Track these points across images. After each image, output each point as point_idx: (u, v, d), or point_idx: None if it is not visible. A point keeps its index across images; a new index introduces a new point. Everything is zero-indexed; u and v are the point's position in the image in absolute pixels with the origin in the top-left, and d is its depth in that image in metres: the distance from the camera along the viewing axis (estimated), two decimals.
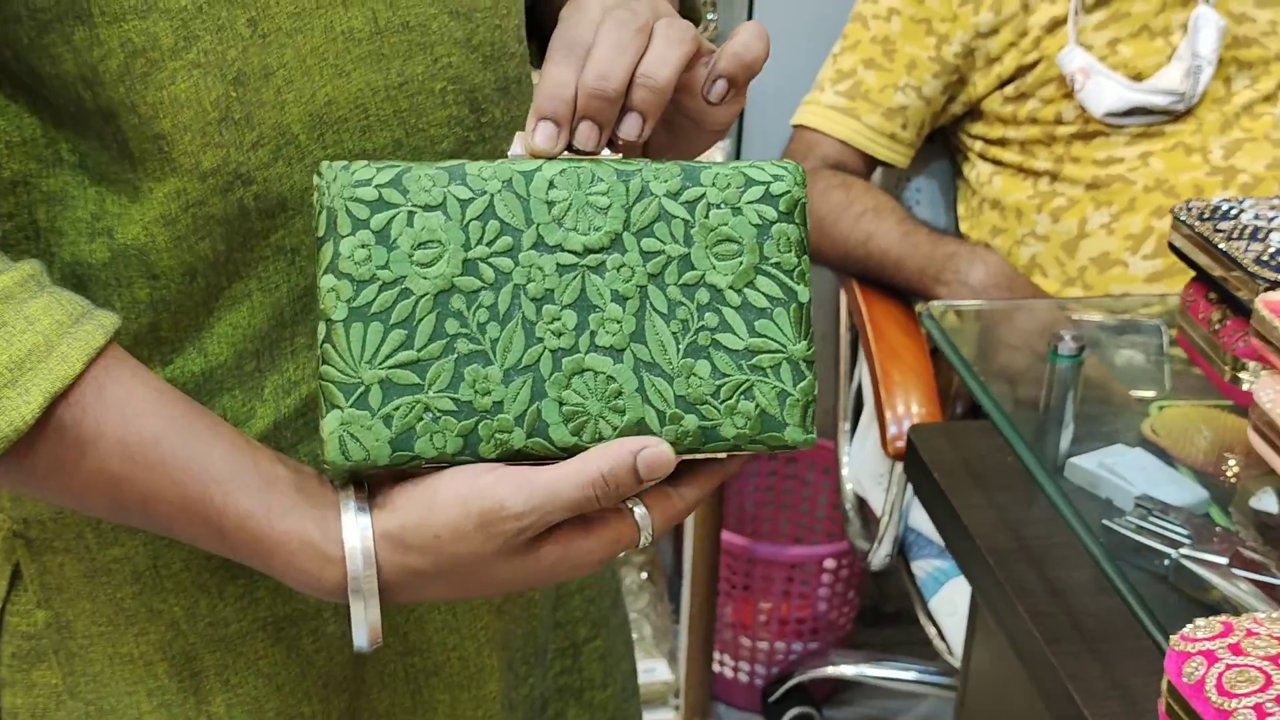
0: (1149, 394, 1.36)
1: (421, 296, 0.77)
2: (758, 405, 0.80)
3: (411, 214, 0.77)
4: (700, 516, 2.17)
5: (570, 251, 0.78)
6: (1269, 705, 0.79)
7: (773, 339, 0.80)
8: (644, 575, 2.35)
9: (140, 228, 0.83)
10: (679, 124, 0.87)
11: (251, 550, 0.79)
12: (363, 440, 0.77)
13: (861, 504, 1.94)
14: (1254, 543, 1.14)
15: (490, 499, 0.77)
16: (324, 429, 0.77)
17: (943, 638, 1.80)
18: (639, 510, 0.80)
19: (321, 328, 0.77)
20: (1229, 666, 0.82)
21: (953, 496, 1.28)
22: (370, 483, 0.80)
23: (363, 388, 0.77)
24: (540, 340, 0.78)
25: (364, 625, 0.79)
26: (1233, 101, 1.83)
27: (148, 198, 0.82)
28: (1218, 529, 1.16)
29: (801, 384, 0.80)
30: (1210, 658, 0.83)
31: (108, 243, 0.83)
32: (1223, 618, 0.86)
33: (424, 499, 0.78)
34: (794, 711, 2.34)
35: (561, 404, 0.78)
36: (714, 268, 0.79)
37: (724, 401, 0.79)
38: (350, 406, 0.77)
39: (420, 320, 0.77)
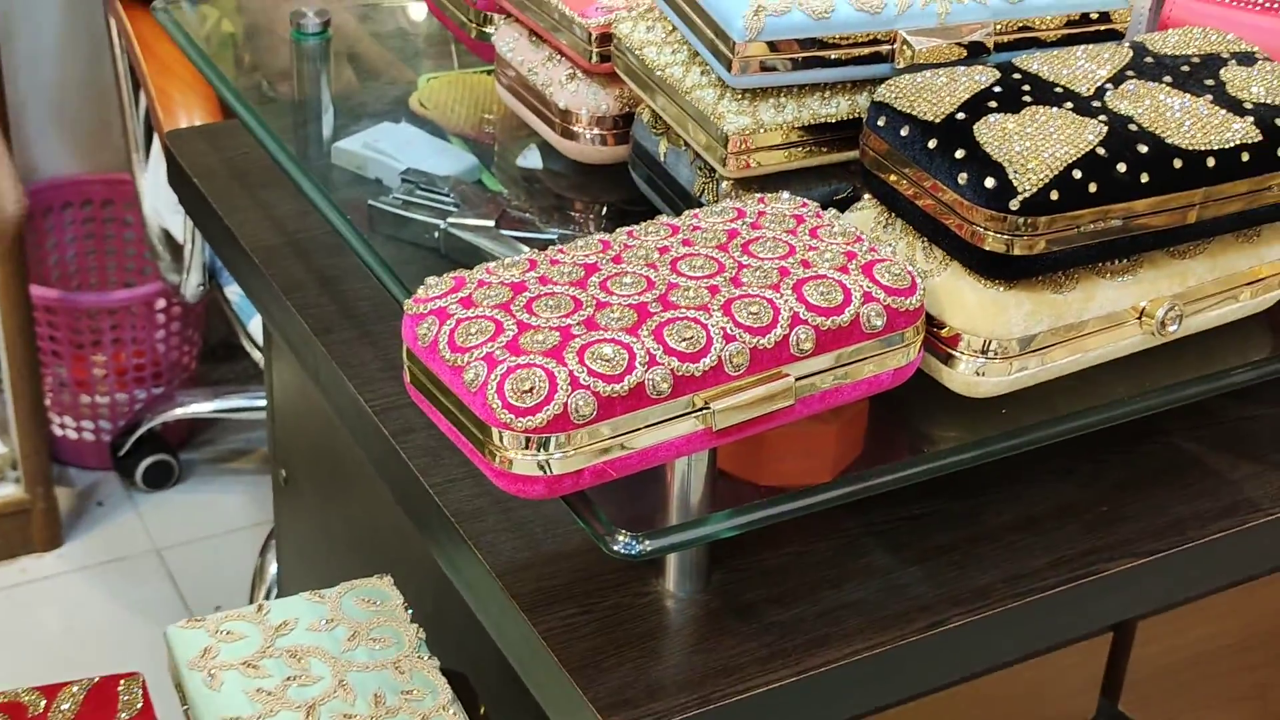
0: (416, 68, 1.30)
1: None
2: None
3: None
4: (3, 275, 1.99)
5: None
6: (499, 353, 0.75)
7: None
8: None
9: None
10: None
11: None
12: None
13: (170, 236, 1.83)
14: (520, 201, 1.12)
15: None
16: None
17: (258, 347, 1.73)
18: None
19: None
20: (460, 321, 0.78)
21: (215, 200, 1.20)
22: None
23: None
24: None
25: None
26: None
27: None
28: (487, 193, 1.12)
29: None
30: (442, 315, 0.79)
31: None
32: (456, 273, 0.82)
33: None
34: (148, 461, 2.23)
35: None
36: None
37: None
38: None
39: None
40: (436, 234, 1.07)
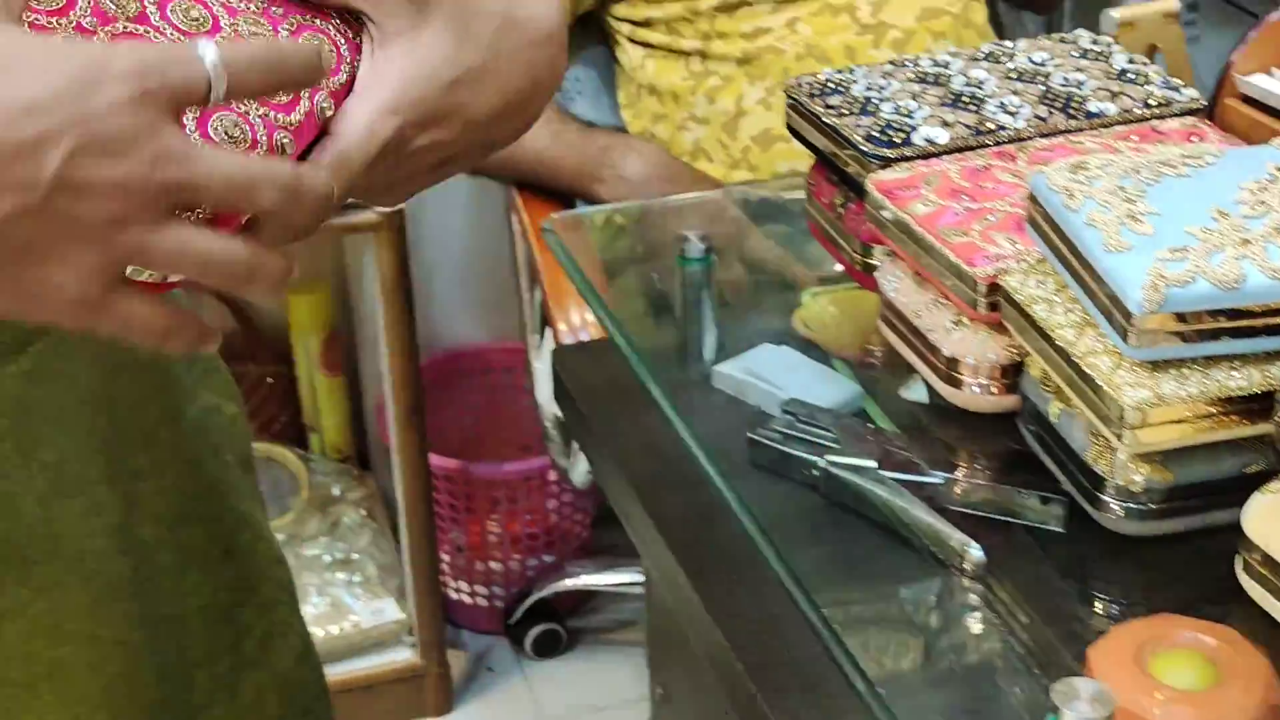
0: (800, 283, 1.28)
1: None
2: None
3: None
4: (403, 441, 2.05)
5: None
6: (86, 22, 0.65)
7: None
8: (362, 513, 2.23)
9: None
10: None
11: None
12: None
13: (561, 422, 1.85)
14: (904, 441, 1.07)
15: None
16: None
17: None
18: None
19: None
20: None
21: (595, 421, 1.19)
22: None
23: None
24: None
25: None
26: None
27: None
28: (868, 428, 1.08)
29: None
30: None
31: None
32: None
33: None
34: (537, 630, 2.26)
35: None
36: None
37: None
38: None
39: None
40: (816, 471, 1.04)
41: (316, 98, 0.69)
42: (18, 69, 0.59)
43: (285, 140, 0.68)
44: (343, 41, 0.70)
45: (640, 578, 2.20)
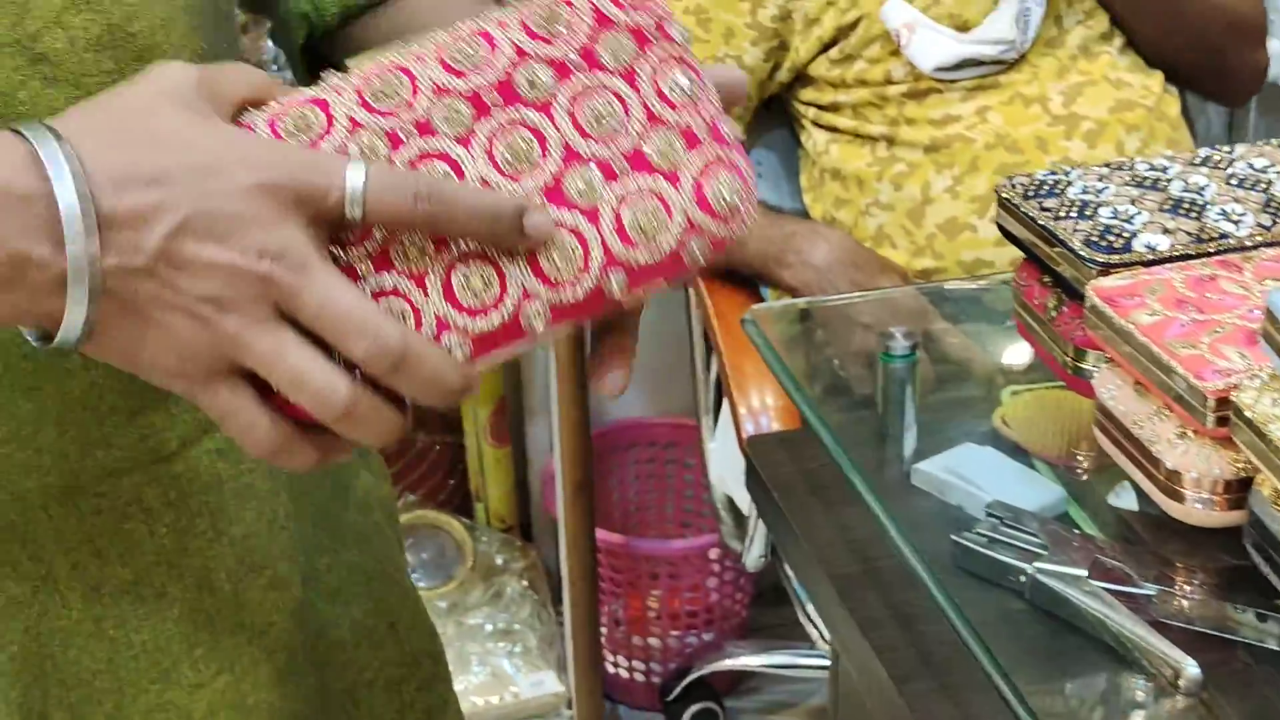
0: (1000, 380, 1.27)
1: None
2: None
3: None
4: (571, 515, 2.06)
5: None
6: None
7: None
8: (524, 584, 2.24)
9: None
10: None
11: None
12: None
13: (734, 504, 1.84)
14: (1113, 549, 1.05)
15: None
16: None
17: (828, 641, 1.71)
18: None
19: None
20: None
21: (792, 515, 1.19)
22: None
23: None
24: None
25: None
26: (1067, 44, 1.73)
27: None
28: (1076, 534, 1.06)
29: None
30: None
31: None
32: None
33: None
34: (695, 708, 2.24)
35: None
36: None
37: None
38: None
39: None
40: (1023, 578, 1.02)
41: (527, 306, 0.65)
42: (167, 145, 0.61)
43: (454, 342, 0.64)
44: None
45: (797, 660, 2.18)
